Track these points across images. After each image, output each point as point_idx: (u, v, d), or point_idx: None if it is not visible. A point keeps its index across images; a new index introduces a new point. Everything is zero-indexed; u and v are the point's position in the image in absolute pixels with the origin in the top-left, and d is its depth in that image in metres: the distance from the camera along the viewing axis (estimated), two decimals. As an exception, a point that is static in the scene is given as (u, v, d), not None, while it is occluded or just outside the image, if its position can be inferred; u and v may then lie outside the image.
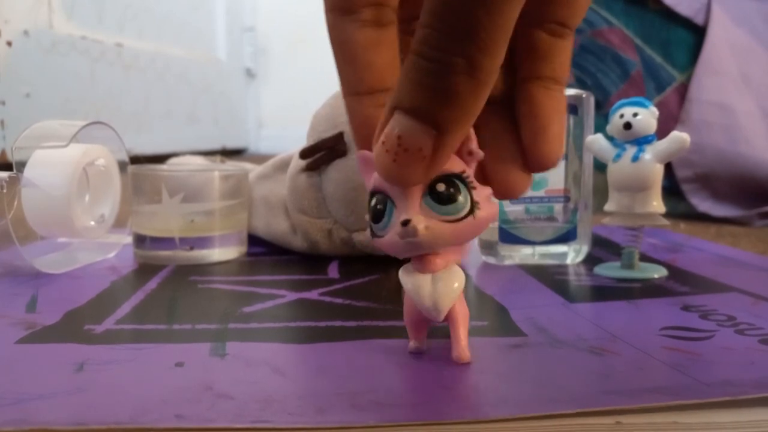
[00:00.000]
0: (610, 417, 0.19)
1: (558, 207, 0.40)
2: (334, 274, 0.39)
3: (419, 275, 0.22)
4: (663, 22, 0.69)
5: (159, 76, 1.45)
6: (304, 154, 0.42)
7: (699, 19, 0.68)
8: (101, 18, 1.26)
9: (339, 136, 0.41)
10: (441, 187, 0.20)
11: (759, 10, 0.70)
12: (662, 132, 0.36)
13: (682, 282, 0.36)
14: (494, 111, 0.21)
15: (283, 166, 0.46)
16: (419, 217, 0.20)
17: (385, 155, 0.18)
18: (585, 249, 0.41)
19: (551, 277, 0.37)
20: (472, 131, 0.21)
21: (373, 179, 0.21)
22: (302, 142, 0.43)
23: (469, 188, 0.20)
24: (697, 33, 0.69)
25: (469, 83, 0.17)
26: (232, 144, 1.84)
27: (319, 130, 0.42)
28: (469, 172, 0.21)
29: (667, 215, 0.37)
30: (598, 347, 0.25)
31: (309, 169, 0.41)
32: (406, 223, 0.20)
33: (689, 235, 0.54)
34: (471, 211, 0.20)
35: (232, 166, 0.58)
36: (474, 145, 0.21)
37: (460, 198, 0.20)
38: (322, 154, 0.41)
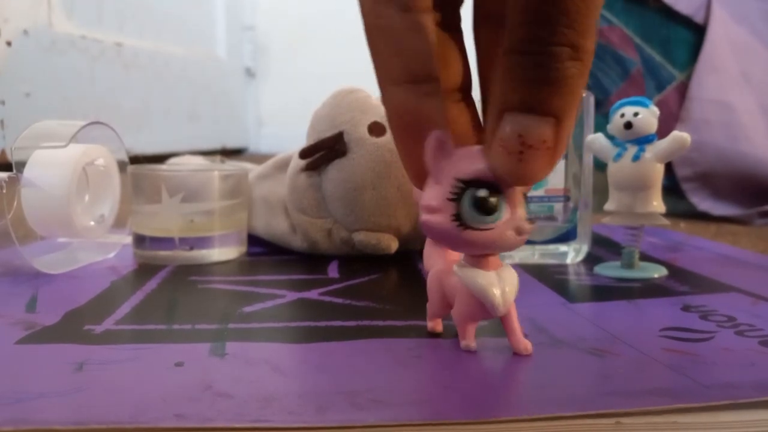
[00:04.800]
0: (610, 417, 0.19)
1: (558, 206, 0.40)
2: (334, 273, 0.38)
3: (486, 272, 0.23)
4: (663, 20, 0.69)
5: (159, 75, 1.45)
6: (304, 153, 0.42)
7: (699, 18, 0.68)
8: (101, 17, 1.26)
9: (339, 136, 0.41)
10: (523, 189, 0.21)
11: (759, 8, 0.70)
12: (662, 131, 0.36)
13: (682, 281, 0.36)
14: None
15: (283, 165, 0.46)
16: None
17: (508, 158, 0.19)
18: (585, 248, 0.41)
19: (551, 276, 0.37)
20: None
21: (476, 170, 0.20)
22: (302, 141, 0.43)
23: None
24: (697, 31, 0.69)
25: (576, 67, 0.18)
26: (232, 143, 1.84)
27: (318, 129, 0.42)
28: None
29: (667, 214, 0.37)
30: (598, 348, 0.25)
31: (309, 168, 0.41)
32: (533, 221, 0.21)
33: (689, 234, 0.54)
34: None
35: (231, 165, 0.58)
36: None
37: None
38: (322, 153, 0.41)
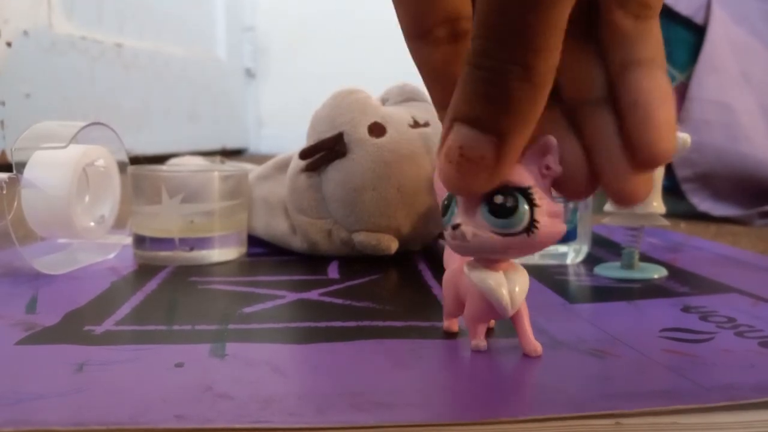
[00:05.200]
0: (610, 418, 0.19)
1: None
2: (334, 274, 0.38)
3: (494, 273, 0.23)
4: (663, 21, 0.69)
5: (159, 75, 1.45)
6: (304, 154, 0.42)
7: (699, 18, 0.68)
8: (101, 18, 1.26)
9: (339, 137, 0.41)
10: (498, 199, 0.20)
11: (759, 9, 0.70)
12: (662, 132, 0.36)
13: (682, 282, 0.36)
14: (597, 111, 0.20)
15: (283, 166, 0.46)
16: (469, 223, 0.20)
17: (448, 166, 0.19)
18: (585, 249, 0.41)
19: (551, 277, 0.37)
20: (552, 145, 0.20)
21: None
22: (302, 142, 0.43)
23: (532, 205, 0.20)
24: (696, 32, 0.69)
25: (526, 88, 0.17)
26: (232, 144, 1.84)
27: (319, 130, 0.42)
28: (540, 187, 0.20)
29: (667, 215, 0.37)
30: (598, 349, 0.25)
31: (309, 169, 0.41)
32: (456, 227, 0.21)
33: (689, 235, 0.54)
34: (527, 229, 0.20)
35: (231, 166, 0.58)
36: (552, 160, 0.20)
37: (518, 213, 0.20)
38: (322, 154, 0.41)
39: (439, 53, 0.21)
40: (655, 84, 0.19)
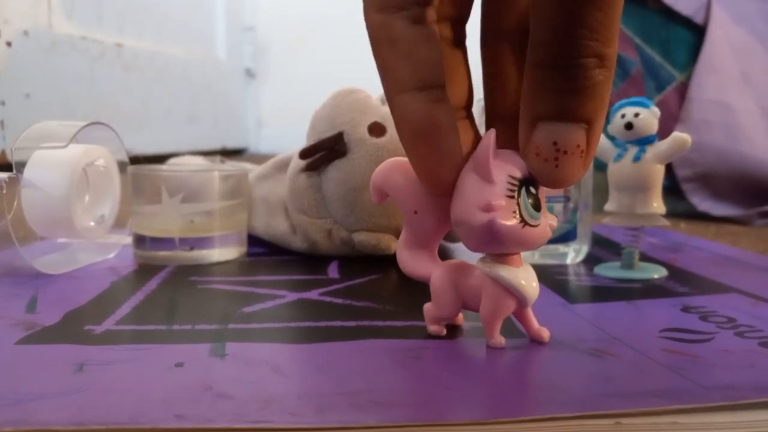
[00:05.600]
0: (610, 418, 0.19)
1: (558, 207, 0.40)
2: (334, 274, 0.38)
3: (518, 269, 0.24)
4: (662, 21, 0.69)
5: (159, 75, 1.45)
6: (304, 154, 0.42)
7: (698, 18, 0.68)
8: (101, 18, 1.26)
9: (339, 136, 0.41)
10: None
11: (759, 9, 0.70)
12: (662, 131, 0.36)
13: (682, 282, 0.36)
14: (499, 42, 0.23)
15: (283, 166, 0.46)
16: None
17: (544, 164, 0.20)
18: (585, 249, 0.41)
19: (551, 277, 0.37)
20: None
21: (526, 167, 0.22)
22: (302, 142, 0.43)
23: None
24: (696, 32, 0.69)
25: (603, 74, 0.19)
26: (232, 144, 1.84)
27: (318, 130, 0.42)
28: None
29: (667, 214, 0.37)
30: (597, 349, 0.25)
31: (309, 169, 0.41)
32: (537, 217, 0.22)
33: (689, 235, 0.54)
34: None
35: (231, 166, 0.58)
36: None
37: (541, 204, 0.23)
38: (321, 154, 0.41)
39: (414, 31, 0.21)
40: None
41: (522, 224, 0.22)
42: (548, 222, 0.23)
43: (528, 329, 0.26)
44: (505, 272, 0.23)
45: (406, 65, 0.21)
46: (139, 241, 0.42)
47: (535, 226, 0.22)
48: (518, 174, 0.22)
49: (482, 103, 0.24)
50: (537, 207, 0.22)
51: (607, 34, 0.18)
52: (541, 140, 0.20)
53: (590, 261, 0.41)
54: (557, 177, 0.20)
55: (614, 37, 0.19)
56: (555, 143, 0.20)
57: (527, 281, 0.24)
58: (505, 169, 0.22)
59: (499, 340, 0.25)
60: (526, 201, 0.22)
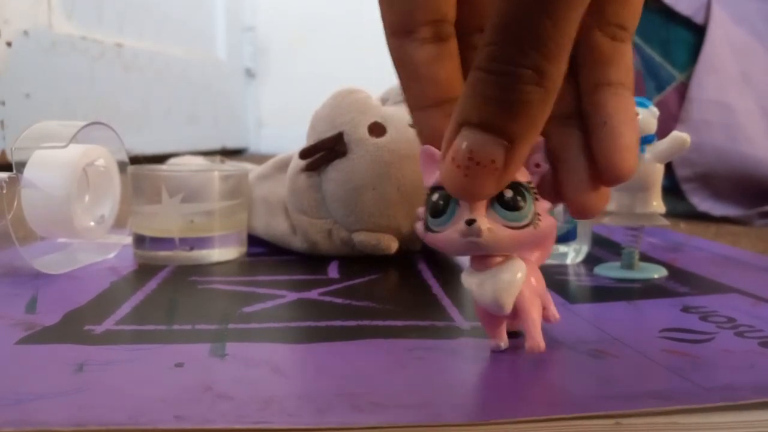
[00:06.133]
0: (610, 418, 0.19)
1: (558, 207, 0.40)
2: (334, 274, 0.38)
3: (480, 273, 0.22)
4: (662, 21, 0.69)
5: (159, 76, 1.45)
6: (304, 154, 0.42)
7: (698, 18, 0.68)
8: (101, 18, 1.26)
9: (339, 136, 0.41)
10: (509, 193, 0.20)
11: (759, 9, 0.70)
12: (662, 131, 0.36)
13: (682, 282, 0.36)
14: (564, 126, 0.21)
15: (283, 166, 0.46)
16: (483, 218, 0.20)
17: (456, 171, 0.19)
18: (585, 249, 0.41)
19: (551, 277, 0.37)
20: (541, 144, 0.21)
21: (436, 175, 0.21)
22: (302, 142, 0.43)
23: (534, 199, 0.21)
24: (696, 32, 0.69)
25: (537, 92, 0.17)
26: (232, 144, 1.84)
27: (318, 130, 0.42)
28: (534, 183, 0.21)
29: (667, 215, 0.37)
30: (597, 349, 0.25)
31: (309, 169, 0.41)
32: (471, 222, 0.20)
33: (689, 235, 0.54)
34: (533, 221, 0.21)
35: (231, 166, 0.58)
36: (541, 157, 0.21)
37: (525, 207, 0.20)
38: (321, 154, 0.41)
39: (423, 53, 0.21)
40: (623, 106, 0.20)
41: (424, 230, 0.22)
42: (460, 227, 0.20)
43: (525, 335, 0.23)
44: (466, 277, 0.23)
45: (418, 85, 0.21)
46: (139, 241, 0.42)
47: (436, 231, 0.21)
48: (430, 183, 0.22)
49: None
50: (435, 213, 0.21)
51: (553, 48, 0.17)
52: (457, 145, 0.18)
53: (590, 261, 0.41)
54: (463, 186, 0.19)
55: (561, 56, 0.17)
56: (471, 151, 0.18)
57: (479, 286, 0.22)
58: (433, 176, 0.22)
59: (494, 344, 0.24)
60: (428, 207, 0.22)
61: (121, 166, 0.44)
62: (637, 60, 0.70)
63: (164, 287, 0.35)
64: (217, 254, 0.42)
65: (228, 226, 0.43)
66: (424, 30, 0.21)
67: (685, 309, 0.30)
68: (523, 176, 0.21)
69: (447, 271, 0.39)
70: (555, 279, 0.37)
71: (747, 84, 0.68)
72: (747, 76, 0.68)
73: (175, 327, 0.28)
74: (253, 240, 0.46)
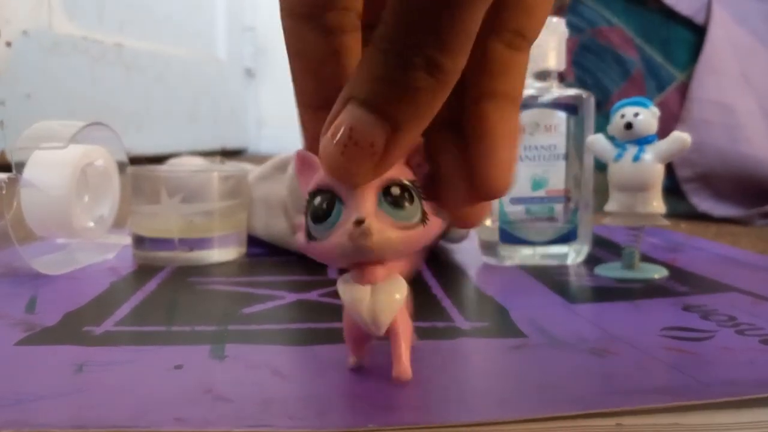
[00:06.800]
0: (611, 419, 0.19)
1: (558, 207, 0.40)
2: (334, 275, 0.38)
3: (358, 287, 0.20)
4: (663, 21, 0.69)
5: (159, 76, 1.45)
6: (304, 154, 0.41)
7: (699, 18, 0.68)
8: (101, 18, 1.26)
9: (339, 137, 0.40)
10: (396, 190, 0.19)
11: (759, 10, 0.70)
12: (663, 131, 0.36)
13: (682, 282, 0.36)
14: (443, 132, 0.20)
15: (283, 166, 0.46)
16: (373, 218, 0.18)
17: (333, 148, 0.17)
18: (585, 249, 0.41)
19: (552, 277, 0.37)
20: (421, 144, 0.20)
21: (317, 178, 0.19)
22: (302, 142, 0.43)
23: (420, 197, 0.19)
24: (697, 32, 0.69)
25: (428, 80, 0.16)
26: (231, 144, 1.84)
27: (318, 130, 0.42)
28: (418, 183, 0.20)
29: (667, 215, 0.37)
30: (598, 348, 0.25)
31: (309, 169, 0.41)
32: (360, 222, 0.18)
33: (690, 235, 0.54)
34: (422, 220, 0.19)
35: (231, 166, 0.58)
36: (421, 158, 0.20)
37: (414, 204, 0.19)
38: (321, 154, 0.41)
39: (323, 43, 0.19)
40: (505, 120, 0.19)
41: (308, 239, 0.19)
42: (347, 230, 0.18)
43: (392, 359, 0.21)
44: (346, 288, 0.20)
45: (311, 80, 0.20)
46: (139, 241, 0.42)
47: (319, 239, 0.19)
48: (310, 187, 0.20)
49: None
50: (317, 218, 0.19)
51: (450, 41, 0.16)
52: (340, 120, 0.17)
53: (591, 261, 0.41)
54: (338, 165, 0.17)
55: (458, 51, 0.16)
56: (351, 129, 0.17)
57: (356, 300, 0.20)
58: (318, 178, 0.19)
59: (354, 361, 0.23)
60: (309, 212, 0.19)
61: (121, 166, 0.44)
62: (637, 60, 0.70)
63: (164, 288, 0.35)
64: (217, 255, 0.42)
65: (227, 227, 0.43)
66: (330, 17, 0.19)
67: (686, 308, 0.30)
68: (408, 175, 0.19)
69: (447, 272, 0.39)
70: (556, 279, 0.37)
71: (747, 84, 0.68)
72: (747, 76, 0.68)
73: (175, 328, 0.28)
74: (253, 240, 0.46)
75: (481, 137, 0.19)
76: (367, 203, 0.18)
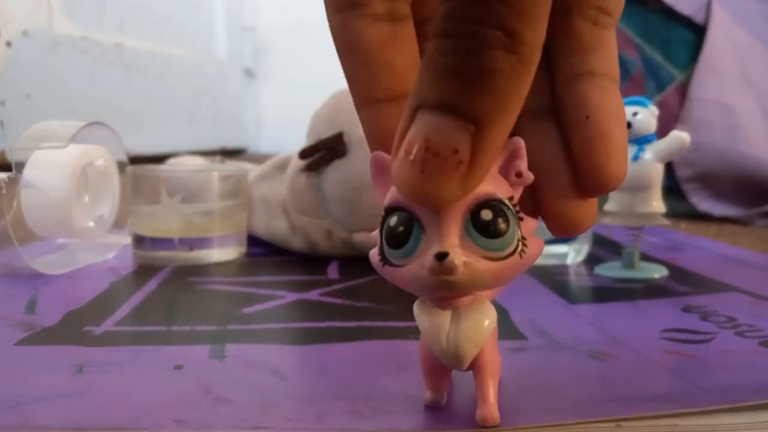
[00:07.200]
0: (610, 423, 0.19)
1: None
2: (334, 274, 0.38)
3: (438, 312, 0.17)
4: (663, 21, 0.69)
5: (159, 76, 1.45)
6: (304, 154, 0.41)
7: (699, 18, 0.68)
8: (101, 18, 1.26)
9: (338, 136, 0.41)
10: (487, 214, 0.16)
11: (759, 10, 0.70)
12: (663, 131, 0.36)
13: (682, 282, 0.36)
14: (539, 121, 0.17)
15: (283, 166, 0.46)
16: (457, 250, 0.15)
17: (410, 167, 0.14)
18: (585, 249, 0.41)
19: (552, 277, 0.37)
20: (522, 147, 0.16)
21: (392, 192, 0.16)
22: (302, 142, 0.43)
23: (518, 219, 0.16)
24: (697, 32, 0.69)
25: (509, 60, 0.13)
26: (231, 144, 1.84)
27: (318, 130, 0.42)
28: (516, 198, 0.16)
29: (667, 214, 0.37)
30: (598, 351, 0.25)
31: (309, 169, 0.41)
32: (442, 257, 0.15)
33: (690, 234, 0.54)
34: (517, 248, 0.16)
35: (231, 166, 0.58)
36: (523, 165, 0.16)
37: (509, 231, 0.16)
38: (321, 154, 0.41)
39: (374, 32, 0.17)
40: (608, 99, 0.17)
41: (382, 263, 0.17)
42: (428, 263, 0.15)
43: (477, 399, 0.18)
44: (423, 313, 0.18)
45: (369, 73, 0.17)
46: (139, 241, 0.42)
47: (396, 265, 0.16)
48: (385, 202, 0.17)
49: None
50: (394, 243, 0.16)
51: (528, 7, 0.13)
52: (412, 134, 0.14)
53: (591, 261, 0.41)
54: (420, 188, 0.14)
55: (537, 16, 0.13)
56: (427, 140, 0.14)
57: (436, 327, 0.17)
58: (393, 192, 0.17)
59: (431, 397, 0.19)
60: (383, 233, 0.17)
61: (121, 166, 0.44)
62: (637, 60, 0.70)
63: (164, 288, 0.35)
64: (217, 254, 0.42)
65: (227, 227, 0.43)
66: (377, 4, 0.17)
67: (686, 309, 0.30)
68: (502, 191, 0.16)
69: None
70: (555, 279, 0.37)
71: (747, 84, 0.68)
72: (747, 76, 0.68)
73: (175, 328, 0.28)
74: (253, 240, 0.46)
75: (585, 120, 0.16)
76: (450, 232, 0.16)
